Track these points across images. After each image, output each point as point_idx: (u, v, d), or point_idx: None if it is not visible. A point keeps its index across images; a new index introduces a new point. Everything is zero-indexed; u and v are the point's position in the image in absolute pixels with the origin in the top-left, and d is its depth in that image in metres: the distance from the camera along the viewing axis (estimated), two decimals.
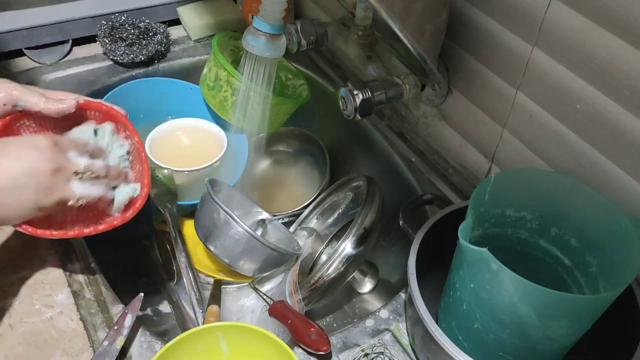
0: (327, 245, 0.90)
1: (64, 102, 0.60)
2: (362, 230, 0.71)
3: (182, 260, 0.76)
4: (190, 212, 0.88)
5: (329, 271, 0.70)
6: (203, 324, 0.69)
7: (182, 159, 0.89)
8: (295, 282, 0.73)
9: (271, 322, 0.70)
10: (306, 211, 0.91)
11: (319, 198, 0.91)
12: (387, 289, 0.85)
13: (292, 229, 0.92)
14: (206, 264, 0.82)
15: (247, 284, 0.82)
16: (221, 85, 0.85)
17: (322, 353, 0.61)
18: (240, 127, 0.89)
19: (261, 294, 0.79)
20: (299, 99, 0.95)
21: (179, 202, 0.81)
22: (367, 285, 0.83)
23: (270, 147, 1.04)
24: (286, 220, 0.93)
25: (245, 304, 0.81)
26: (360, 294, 0.85)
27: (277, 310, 0.69)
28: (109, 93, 0.86)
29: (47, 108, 0.59)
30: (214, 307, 0.71)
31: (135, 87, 0.91)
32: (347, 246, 0.71)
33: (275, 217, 0.91)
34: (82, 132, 0.63)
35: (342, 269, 0.71)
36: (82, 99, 0.63)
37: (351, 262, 0.71)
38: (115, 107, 0.65)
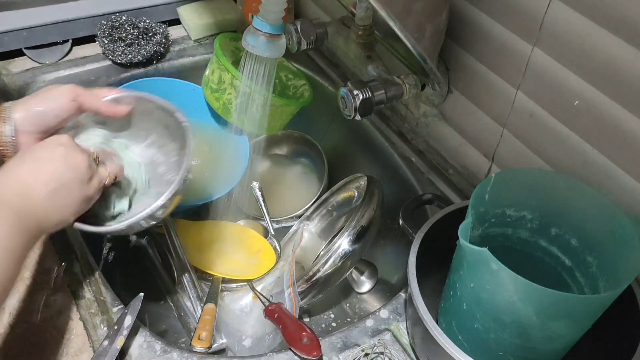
0: (329, 242, 0.91)
1: (120, 107, 0.64)
2: (359, 227, 0.72)
3: (179, 259, 0.76)
4: (185, 212, 0.88)
5: (326, 266, 0.71)
6: (199, 322, 0.69)
7: None
8: (293, 276, 0.73)
9: (270, 322, 0.70)
10: (309, 210, 0.92)
11: (323, 197, 0.92)
12: (387, 289, 0.85)
13: (295, 227, 0.92)
14: (206, 263, 0.82)
15: (246, 283, 0.82)
16: (225, 88, 0.85)
17: (312, 358, 0.60)
18: (243, 129, 0.89)
19: (258, 293, 0.79)
20: (302, 100, 0.95)
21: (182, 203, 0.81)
22: (365, 285, 0.83)
23: (267, 150, 1.04)
24: (286, 224, 0.93)
25: (245, 302, 0.81)
26: (359, 293, 0.85)
27: (272, 313, 0.69)
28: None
29: (107, 111, 0.63)
30: (210, 305, 0.71)
31: (137, 87, 0.91)
32: (343, 242, 0.71)
33: (275, 220, 0.91)
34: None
35: (339, 264, 0.71)
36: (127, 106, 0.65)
37: (348, 258, 0.71)
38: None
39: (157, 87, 0.94)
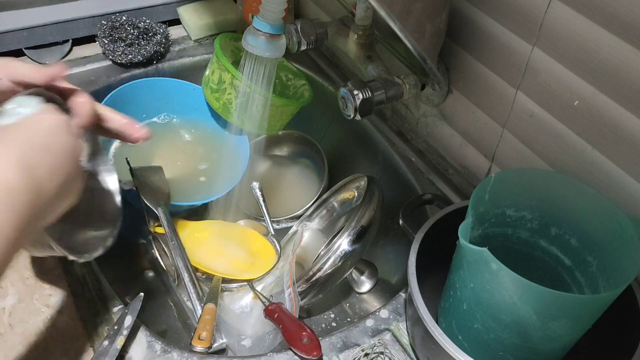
0: (329, 242, 0.91)
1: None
2: (359, 227, 0.72)
3: (179, 259, 0.76)
4: (185, 212, 0.89)
5: (326, 266, 0.71)
6: (199, 322, 0.69)
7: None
8: (293, 275, 0.73)
9: (270, 322, 0.71)
10: (310, 210, 0.92)
11: (323, 197, 0.92)
12: (387, 289, 0.85)
13: (295, 227, 0.92)
14: (206, 263, 0.82)
15: (246, 283, 0.82)
16: (225, 88, 0.85)
17: (312, 358, 0.60)
18: (243, 128, 0.89)
19: (258, 293, 0.79)
20: (302, 100, 0.95)
21: (172, 202, 0.82)
22: (365, 285, 0.83)
23: (267, 151, 1.04)
24: (286, 225, 0.94)
25: (245, 302, 0.81)
26: (359, 293, 0.85)
27: (272, 313, 0.69)
28: (112, 93, 0.86)
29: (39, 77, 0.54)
30: (210, 305, 0.71)
31: (138, 87, 0.92)
32: (343, 242, 0.71)
33: (275, 220, 0.91)
34: None
35: (339, 264, 0.71)
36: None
37: (348, 258, 0.72)
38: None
39: (157, 87, 0.94)
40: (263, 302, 0.76)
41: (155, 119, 0.95)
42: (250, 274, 0.83)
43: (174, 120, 0.96)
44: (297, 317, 0.69)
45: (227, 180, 0.87)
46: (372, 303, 0.86)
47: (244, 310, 0.80)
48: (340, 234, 0.72)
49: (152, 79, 0.94)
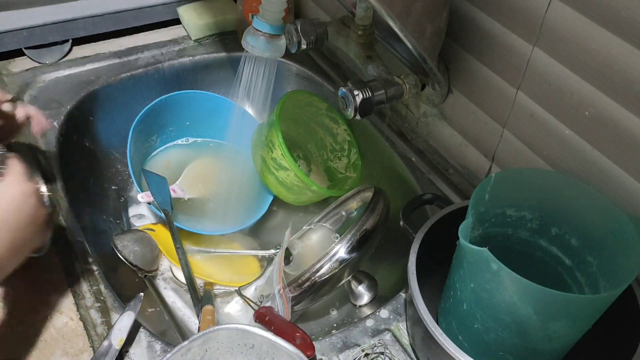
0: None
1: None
2: (357, 236, 0.71)
3: (179, 261, 0.77)
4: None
5: (321, 271, 0.70)
6: (200, 323, 0.70)
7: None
8: (282, 272, 0.72)
9: None
10: (317, 218, 0.90)
11: (331, 206, 0.91)
12: (387, 290, 0.85)
13: (300, 232, 0.91)
14: (197, 269, 0.82)
15: (234, 289, 0.82)
16: (281, 164, 0.83)
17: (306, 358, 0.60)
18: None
19: (247, 299, 0.79)
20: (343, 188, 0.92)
21: (175, 224, 0.82)
22: (364, 298, 0.81)
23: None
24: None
25: (236, 307, 0.81)
26: (356, 306, 0.83)
27: (262, 316, 0.68)
28: (161, 98, 0.91)
29: None
30: (208, 307, 0.72)
31: (186, 98, 0.95)
32: (340, 250, 0.70)
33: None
34: None
35: (334, 271, 0.70)
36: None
37: (344, 267, 0.70)
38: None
39: (207, 103, 0.97)
40: (253, 307, 0.75)
41: (197, 132, 0.99)
42: (237, 280, 0.83)
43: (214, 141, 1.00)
44: (290, 313, 0.69)
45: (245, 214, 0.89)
46: (372, 303, 0.85)
47: (236, 313, 0.80)
48: (338, 240, 0.71)
49: (208, 94, 0.97)
